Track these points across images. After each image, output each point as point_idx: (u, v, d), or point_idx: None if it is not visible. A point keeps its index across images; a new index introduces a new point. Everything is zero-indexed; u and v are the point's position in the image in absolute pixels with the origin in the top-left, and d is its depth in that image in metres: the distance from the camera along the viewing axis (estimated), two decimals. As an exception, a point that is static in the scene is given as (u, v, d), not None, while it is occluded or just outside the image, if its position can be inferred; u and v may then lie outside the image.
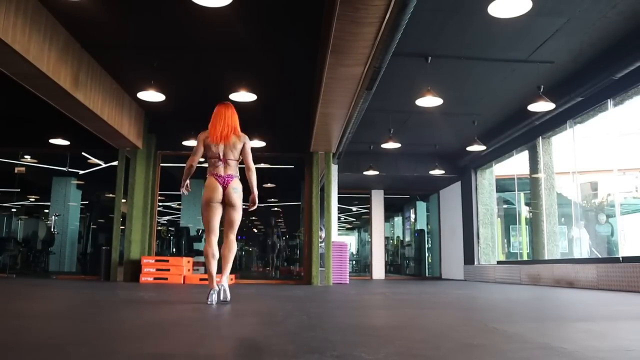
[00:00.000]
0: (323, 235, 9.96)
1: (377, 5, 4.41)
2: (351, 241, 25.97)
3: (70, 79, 6.50)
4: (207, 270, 3.95)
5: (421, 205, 16.99)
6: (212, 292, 3.89)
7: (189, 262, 9.43)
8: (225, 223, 4.06)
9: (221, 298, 3.95)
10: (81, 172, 12.52)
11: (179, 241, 12.12)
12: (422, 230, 16.62)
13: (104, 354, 1.83)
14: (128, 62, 7.40)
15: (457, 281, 11.61)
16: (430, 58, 6.80)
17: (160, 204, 11.78)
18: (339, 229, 19.63)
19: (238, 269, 16.98)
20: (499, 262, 11.37)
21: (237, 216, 4.05)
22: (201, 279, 9.18)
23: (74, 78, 6.62)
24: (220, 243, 4.05)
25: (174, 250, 12.24)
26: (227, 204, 3.99)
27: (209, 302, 3.83)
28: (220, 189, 3.95)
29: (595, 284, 7.32)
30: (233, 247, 4.03)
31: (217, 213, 4.00)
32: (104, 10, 5.85)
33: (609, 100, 7.31)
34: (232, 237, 4.05)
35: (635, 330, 2.77)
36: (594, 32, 6.17)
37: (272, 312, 3.55)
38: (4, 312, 3.28)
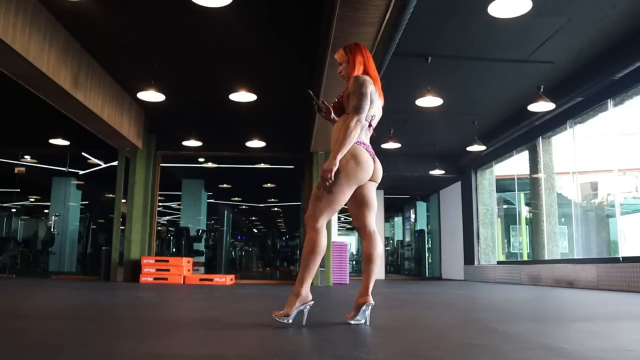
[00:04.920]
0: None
1: (377, 5, 4.41)
2: (351, 241, 25.96)
3: (70, 79, 6.50)
4: (311, 272, 2.67)
5: (421, 206, 16.98)
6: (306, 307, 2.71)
7: (188, 262, 9.43)
8: (367, 209, 2.84)
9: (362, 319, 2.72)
10: (81, 172, 12.53)
11: (179, 241, 12.12)
12: (422, 231, 16.61)
13: (104, 354, 1.83)
14: (128, 62, 7.40)
15: (457, 281, 11.61)
16: (430, 58, 6.80)
17: (160, 204, 11.79)
18: (339, 229, 19.65)
19: (238, 269, 17.02)
20: (499, 262, 11.36)
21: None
22: (201, 279, 9.19)
23: (74, 78, 6.62)
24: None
25: (174, 250, 12.25)
26: (374, 181, 2.84)
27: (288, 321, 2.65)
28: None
29: (596, 284, 7.32)
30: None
31: None
32: (104, 10, 5.85)
33: (609, 100, 7.31)
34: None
35: (635, 330, 2.77)
36: (594, 32, 6.17)
37: (272, 312, 3.54)
38: (4, 312, 3.28)
